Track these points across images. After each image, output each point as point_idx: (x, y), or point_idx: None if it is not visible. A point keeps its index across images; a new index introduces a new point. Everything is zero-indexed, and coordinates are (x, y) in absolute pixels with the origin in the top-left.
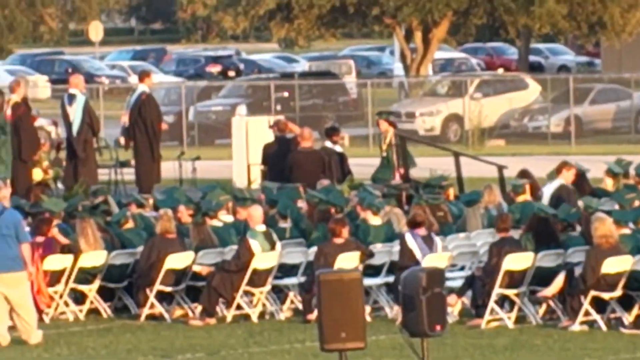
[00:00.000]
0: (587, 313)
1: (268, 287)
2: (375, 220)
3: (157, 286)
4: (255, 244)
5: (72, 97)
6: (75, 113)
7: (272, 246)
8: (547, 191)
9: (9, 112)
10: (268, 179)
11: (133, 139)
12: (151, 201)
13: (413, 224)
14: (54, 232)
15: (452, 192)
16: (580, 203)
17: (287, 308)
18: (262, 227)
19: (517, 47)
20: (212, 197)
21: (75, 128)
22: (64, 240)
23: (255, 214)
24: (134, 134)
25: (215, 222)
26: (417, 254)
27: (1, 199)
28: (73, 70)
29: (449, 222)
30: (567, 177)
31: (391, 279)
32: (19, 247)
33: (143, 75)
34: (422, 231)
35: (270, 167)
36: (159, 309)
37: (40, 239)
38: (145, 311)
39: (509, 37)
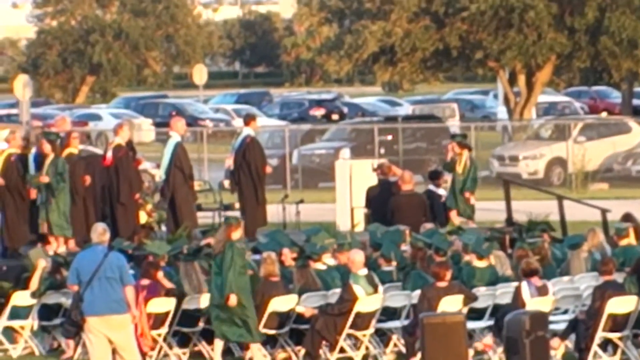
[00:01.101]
0: None
1: (371, 330)
2: (481, 264)
3: (261, 329)
4: (358, 289)
5: (168, 140)
6: (165, 155)
7: (375, 289)
8: None
9: (109, 154)
10: (371, 222)
11: (237, 182)
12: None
13: (528, 273)
14: (160, 275)
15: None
16: None
17: (391, 351)
18: (364, 272)
19: (621, 90)
20: (315, 240)
21: (162, 170)
22: (168, 284)
23: (356, 259)
24: (239, 177)
25: (319, 265)
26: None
27: (103, 242)
28: (177, 114)
29: (551, 265)
30: None
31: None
32: (123, 290)
33: (248, 119)
34: (537, 281)
35: (374, 210)
36: (262, 351)
37: (145, 281)
38: (249, 354)
39: (613, 81)
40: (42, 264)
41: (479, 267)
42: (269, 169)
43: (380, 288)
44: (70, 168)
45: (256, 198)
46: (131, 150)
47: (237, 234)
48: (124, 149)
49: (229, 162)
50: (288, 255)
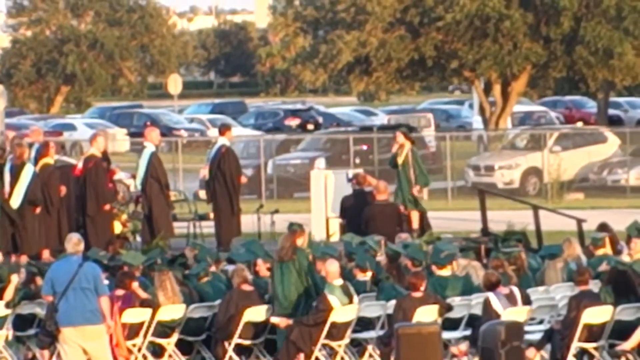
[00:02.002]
0: None
1: (347, 340)
2: (444, 272)
3: (236, 339)
4: (333, 299)
5: (142, 150)
6: (140, 165)
7: (350, 299)
8: None
9: (80, 164)
10: (346, 232)
11: (212, 192)
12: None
13: (490, 286)
14: (135, 286)
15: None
16: None
17: None
18: (339, 282)
19: (597, 100)
20: None
21: (138, 180)
22: (143, 294)
23: (331, 269)
24: (214, 187)
25: None
26: (502, 313)
27: (78, 252)
28: (151, 124)
29: (527, 274)
30: None
31: (469, 332)
32: (98, 300)
33: (223, 129)
34: (504, 289)
35: (349, 220)
36: None
37: (120, 292)
38: None
39: (589, 91)
40: (15, 279)
41: (444, 275)
42: (244, 179)
43: (356, 298)
44: (46, 178)
45: (231, 208)
46: (106, 161)
47: (301, 240)
48: (94, 159)
49: (204, 172)
50: (262, 266)
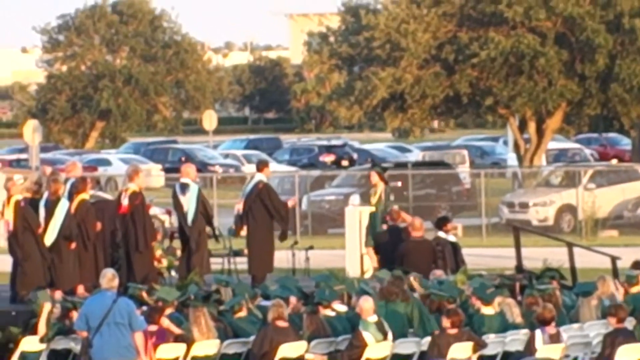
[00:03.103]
0: None
1: None
2: (488, 311)
3: None
4: (367, 335)
5: (184, 186)
6: (189, 202)
7: (385, 336)
8: None
9: (125, 201)
10: (380, 268)
11: (247, 227)
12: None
13: (542, 321)
14: (165, 322)
15: (555, 282)
16: None
17: None
18: (374, 318)
19: (631, 137)
20: (325, 286)
21: (190, 217)
22: (175, 330)
23: (365, 306)
24: (248, 222)
25: (328, 312)
26: (538, 350)
27: (112, 287)
28: (186, 159)
29: (562, 312)
30: None
31: None
32: (132, 336)
33: (261, 165)
34: (551, 329)
35: (382, 256)
36: None
37: (153, 327)
38: None
39: (623, 128)
40: (47, 307)
41: (487, 314)
42: (292, 202)
43: (390, 335)
44: (83, 214)
45: (266, 244)
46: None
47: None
48: (140, 195)
49: (239, 207)
50: (296, 302)
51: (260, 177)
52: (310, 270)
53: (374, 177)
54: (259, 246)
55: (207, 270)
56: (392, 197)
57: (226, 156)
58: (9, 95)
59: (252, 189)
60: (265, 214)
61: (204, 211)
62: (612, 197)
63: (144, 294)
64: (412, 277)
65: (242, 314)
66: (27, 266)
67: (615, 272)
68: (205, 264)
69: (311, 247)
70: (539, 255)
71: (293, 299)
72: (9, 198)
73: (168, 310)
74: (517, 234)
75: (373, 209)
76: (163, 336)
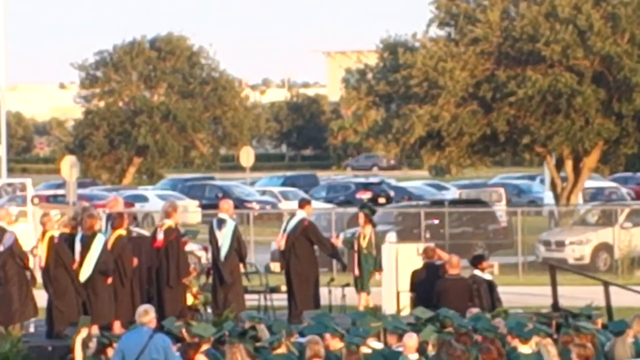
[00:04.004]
0: None
1: None
2: (525, 349)
3: None
4: None
5: (221, 222)
6: (224, 238)
7: None
8: None
9: (160, 236)
10: (416, 306)
11: (288, 264)
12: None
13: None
14: (201, 358)
15: (600, 322)
16: None
17: None
18: (415, 356)
19: None
20: (361, 324)
21: (223, 253)
22: None
23: (409, 343)
24: (290, 259)
25: (364, 349)
26: None
27: (149, 323)
28: (223, 196)
29: (599, 351)
30: None
31: None
32: None
33: (304, 203)
34: None
35: (418, 294)
36: None
37: None
38: None
39: None
40: (83, 333)
41: (524, 353)
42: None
43: None
44: (120, 249)
45: (308, 281)
46: (178, 232)
47: None
48: (175, 231)
49: (281, 243)
50: (331, 340)
51: (303, 214)
52: (347, 307)
53: (361, 219)
54: (303, 282)
55: (242, 306)
56: (428, 235)
57: (263, 193)
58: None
59: (296, 225)
60: (310, 250)
61: (238, 248)
62: None
63: (184, 331)
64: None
65: (281, 350)
66: (62, 302)
67: None
68: (240, 300)
69: (347, 285)
70: (575, 293)
71: (328, 336)
72: (43, 233)
73: (204, 347)
74: (553, 273)
75: (365, 252)
76: None
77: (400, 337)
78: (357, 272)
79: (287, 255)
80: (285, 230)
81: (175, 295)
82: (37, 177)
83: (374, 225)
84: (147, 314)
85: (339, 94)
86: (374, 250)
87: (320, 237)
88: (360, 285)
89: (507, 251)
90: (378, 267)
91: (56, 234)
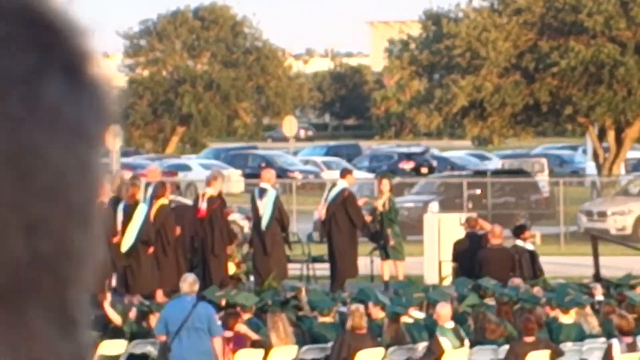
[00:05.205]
0: None
1: None
2: (566, 319)
3: None
4: (444, 341)
5: (263, 191)
6: (265, 207)
7: (461, 342)
8: None
9: (204, 205)
10: (459, 276)
11: (330, 233)
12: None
13: (623, 332)
14: (241, 327)
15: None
16: None
17: None
18: (450, 324)
19: None
20: (403, 293)
21: (264, 222)
22: (253, 335)
23: (442, 312)
24: (331, 228)
25: (406, 319)
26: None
27: (193, 292)
28: (266, 165)
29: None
30: None
31: None
32: (211, 341)
33: (345, 173)
34: (628, 338)
35: (461, 264)
36: None
37: (229, 333)
38: None
39: None
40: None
41: (565, 323)
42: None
43: (467, 342)
44: (162, 219)
45: (350, 250)
46: (221, 201)
47: None
48: (218, 200)
49: (322, 213)
50: (374, 309)
51: (344, 184)
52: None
53: (386, 186)
54: (342, 251)
55: (284, 275)
56: (470, 205)
57: (306, 162)
58: None
59: (336, 195)
60: (348, 220)
61: (280, 217)
62: None
63: (222, 301)
64: None
65: (328, 319)
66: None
67: None
68: (282, 269)
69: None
70: (617, 264)
71: (371, 304)
72: None
73: (246, 316)
74: (595, 243)
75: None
76: (240, 342)
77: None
78: (391, 242)
79: (328, 224)
80: (326, 199)
81: (219, 265)
82: None
83: (391, 191)
84: (194, 283)
85: (382, 64)
86: (388, 214)
87: (356, 210)
88: (385, 254)
89: (549, 221)
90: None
91: (104, 201)
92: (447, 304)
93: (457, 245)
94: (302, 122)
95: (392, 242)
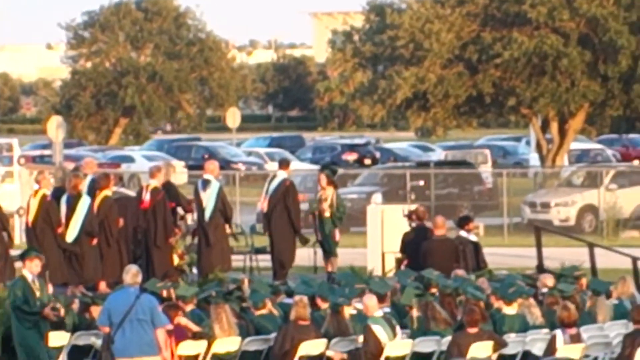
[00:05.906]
0: None
1: None
2: (509, 310)
3: None
4: (377, 328)
5: (206, 183)
6: (209, 199)
7: (393, 330)
8: None
9: (147, 197)
10: (408, 267)
11: (271, 224)
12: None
13: (565, 324)
14: (181, 320)
15: (584, 282)
16: None
17: None
18: (379, 313)
19: None
20: (346, 285)
21: (207, 214)
22: (193, 327)
23: (369, 303)
24: (272, 220)
25: (350, 310)
26: (558, 350)
27: (136, 283)
28: (209, 157)
29: (582, 313)
30: None
31: None
32: (155, 332)
33: (284, 164)
34: (572, 330)
35: (409, 256)
36: None
37: (169, 326)
38: None
39: None
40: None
41: (508, 314)
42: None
43: (398, 329)
44: (105, 210)
45: (292, 242)
46: (167, 192)
47: None
48: (161, 192)
49: (264, 205)
50: (318, 300)
51: (284, 175)
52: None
53: (323, 180)
54: (283, 241)
55: (227, 267)
56: (413, 196)
57: (249, 154)
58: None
59: (277, 186)
60: (288, 211)
61: (223, 208)
62: (633, 198)
63: (164, 292)
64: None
65: (265, 311)
66: (48, 261)
67: (636, 273)
68: (226, 260)
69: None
70: (560, 255)
71: (318, 298)
72: (36, 191)
73: (188, 307)
74: (538, 234)
75: (327, 214)
76: (181, 334)
77: (382, 299)
78: (319, 236)
79: (270, 216)
80: (267, 192)
81: (163, 256)
82: (24, 138)
83: (335, 187)
84: (137, 274)
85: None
86: (335, 212)
87: (294, 202)
88: (328, 249)
89: (492, 212)
90: (336, 224)
91: (48, 192)
92: (373, 296)
93: (406, 236)
94: (246, 113)
95: (337, 238)
